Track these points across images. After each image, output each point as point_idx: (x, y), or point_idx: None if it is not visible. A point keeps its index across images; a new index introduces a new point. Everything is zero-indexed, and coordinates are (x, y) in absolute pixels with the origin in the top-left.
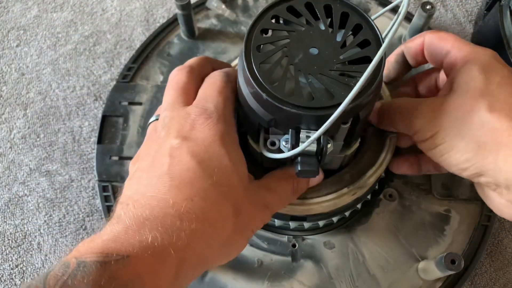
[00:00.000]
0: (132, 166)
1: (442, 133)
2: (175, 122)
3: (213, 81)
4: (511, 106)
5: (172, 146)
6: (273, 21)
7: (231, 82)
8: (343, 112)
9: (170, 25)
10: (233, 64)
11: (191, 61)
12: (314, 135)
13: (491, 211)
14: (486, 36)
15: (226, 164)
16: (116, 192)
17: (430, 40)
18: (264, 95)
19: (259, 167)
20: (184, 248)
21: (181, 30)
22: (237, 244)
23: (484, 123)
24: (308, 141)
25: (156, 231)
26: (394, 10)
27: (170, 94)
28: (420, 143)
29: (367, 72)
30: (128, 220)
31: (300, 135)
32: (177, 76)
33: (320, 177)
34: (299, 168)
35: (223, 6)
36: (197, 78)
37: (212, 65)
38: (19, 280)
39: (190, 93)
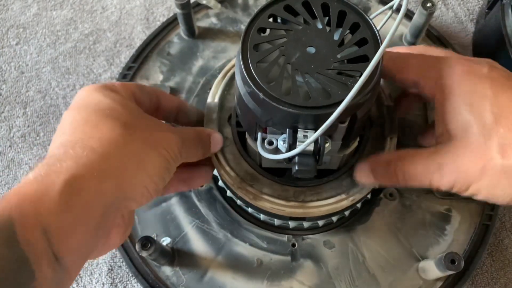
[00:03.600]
0: None
1: (473, 187)
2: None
3: None
4: None
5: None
6: (271, 20)
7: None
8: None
9: (170, 24)
10: (230, 64)
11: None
12: (311, 137)
13: (492, 210)
14: (487, 35)
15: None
16: None
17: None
18: (260, 95)
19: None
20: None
21: (181, 29)
22: (147, 156)
23: (505, 167)
24: (305, 143)
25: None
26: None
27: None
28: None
29: (367, 71)
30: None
31: (298, 134)
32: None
33: (219, 143)
34: (296, 168)
35: (213, 1)
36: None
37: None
38: None
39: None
